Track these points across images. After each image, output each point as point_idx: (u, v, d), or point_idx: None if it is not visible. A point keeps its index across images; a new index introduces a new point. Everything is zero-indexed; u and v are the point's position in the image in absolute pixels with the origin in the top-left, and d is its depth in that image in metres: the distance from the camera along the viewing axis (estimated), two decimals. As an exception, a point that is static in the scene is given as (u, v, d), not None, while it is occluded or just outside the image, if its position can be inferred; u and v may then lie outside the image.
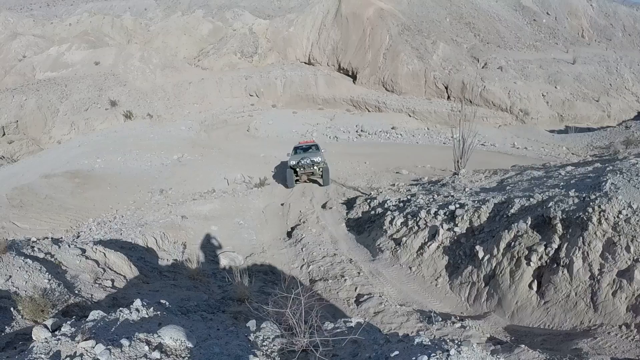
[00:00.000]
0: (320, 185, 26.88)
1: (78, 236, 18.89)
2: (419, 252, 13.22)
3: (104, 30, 68.27)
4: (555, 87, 46.68)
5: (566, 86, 46.79)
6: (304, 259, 15.23)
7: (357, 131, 41.46)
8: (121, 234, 16.41)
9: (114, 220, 20.69)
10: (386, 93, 50.88)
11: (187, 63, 58.92)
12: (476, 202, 13.46)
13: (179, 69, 56.15)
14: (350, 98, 50.84)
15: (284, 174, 27.71)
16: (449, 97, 48.19)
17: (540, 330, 8.89)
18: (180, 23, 66.51)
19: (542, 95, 45.48)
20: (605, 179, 10.60)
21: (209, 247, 16.84)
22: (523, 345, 7.50)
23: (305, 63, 59.60)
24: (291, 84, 53.28)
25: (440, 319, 9.37)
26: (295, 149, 28.87)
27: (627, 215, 9.06)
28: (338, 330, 6.26)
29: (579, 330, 8.36)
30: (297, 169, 26.58)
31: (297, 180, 27.11)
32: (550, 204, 10.64)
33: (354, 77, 54.68)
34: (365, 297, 11.29)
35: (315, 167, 26.52)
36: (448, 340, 4.71)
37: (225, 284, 12.34)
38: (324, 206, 22.06)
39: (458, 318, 9.65)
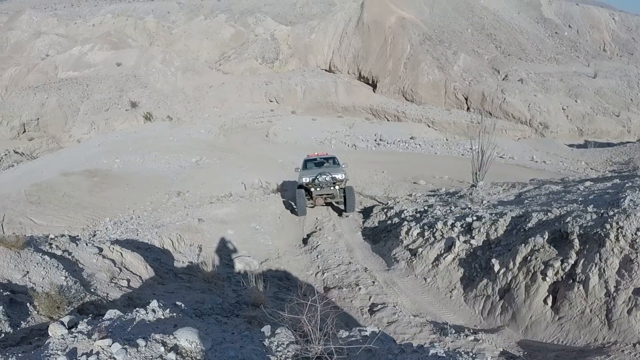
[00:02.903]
0: (342, 211, 21.97)
1: (94, 235, 19.04)
2: (434, 264, 13.18)
3: (126, 32, 69.05)
4: (576, 101, 46.46)
5: (586, 100, 46.56)
6: (319, 267, 15.24)
7: (375, 140, 41.41)
8: (137, 235, 16.49)
9: (131, 221, 20.79)
10: (406, 102, 50.92)
11: (208, 67, 59.44)
12: (493, 215, 13.40)
13: (200, 73, 56.57)
14: (369, 106, 50.91)
15: (293, 195, 22.70)
16: (468, 109, 48.14)
17: (554, 345, 8.82)
18: (202, 27, 67.17)
19: (562, 108, 45.27)
20: (624, 196, 10.51)
21: (225, 250, 16.88)
22: (536, 361, 7.46)
23: (325, 70, 59.81)
24: (311, 90, 53.44)
25: (454, 331, 9.33)
26: (306, 163, 23.67)
27: (645, 232, 8.98)
28: (353, 338, 6.26)
29: (592, 347, 8.28)
30: (312, 189, 21.50)
31: (310, 205, 22.18)
32: (568, 219, 10.56)
33: (374, 85, 54.78)
34: (380, 306, 11.28)
35: (336, 187, 21.43)
36: (462, 353, 4.71)
37: (240, 288, 12.37)
38: (340, 214, 22.03)
39: (471, 331, 9.61)
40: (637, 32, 64.15)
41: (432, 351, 4.92)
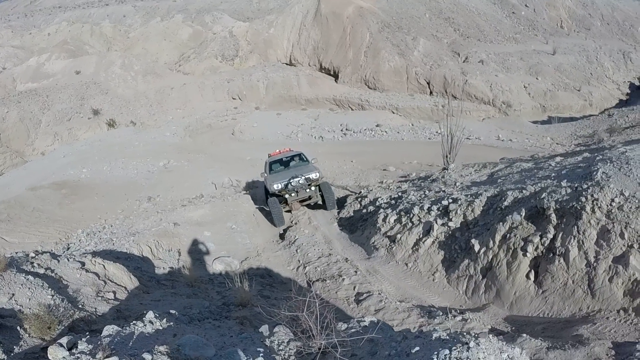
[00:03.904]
0: (320, 207, 20.64)
1: (68, 248, 18.76)
2: (414, 248, 13.30)
3: (83, 39, 67.80)
4: (537, 78, 47.09)
5: (547, 77, 47.22)
6: (299, 261, 15.25)
7: (342, 130, 41.38)
8: (113, 244, 16.27)
9: (104, 230, 20.50)
10: (369, 91, 51.00)
11: (168, 68, 58.68)
12: (469, 196, 13.56)
13: (161, 75, 55.92)
14: (333, 97, 50.83)
15: (264, 200, 21.20)
16: (431, 93, 48.43)
17: (540, 319, 9.01)
18: (159, 28, 66.24)
19: (524, 86, 45.83)
20: (596, 168, 10.75)
21: (204, 253, 16.77)
22: (525, 335, 7.59)
23: (286, 64, 59.50)
24: (273, 85, 53.21)
25: (441, 313, 9.45)
26: (271, 165, 21.41)
27: (619, 202, 9.21)
28: (353, 330, 6.30)
29: (578, 317, 8.48)
30: (287, 195, 19.41)
31: (287, 210, 20.27)
32: (544, 195, 10.77)
33: (335, 76, 54.67)
34: (365, 295, 11.35)
35: (312, 188, 19.52)
36: (465, 334, 4.78)
37: (224, 290, 12.33)
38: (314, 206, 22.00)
39: (458, 311, 9.74)
40: (592, 8, 65.09)
41: (435, 335, 4.98)
